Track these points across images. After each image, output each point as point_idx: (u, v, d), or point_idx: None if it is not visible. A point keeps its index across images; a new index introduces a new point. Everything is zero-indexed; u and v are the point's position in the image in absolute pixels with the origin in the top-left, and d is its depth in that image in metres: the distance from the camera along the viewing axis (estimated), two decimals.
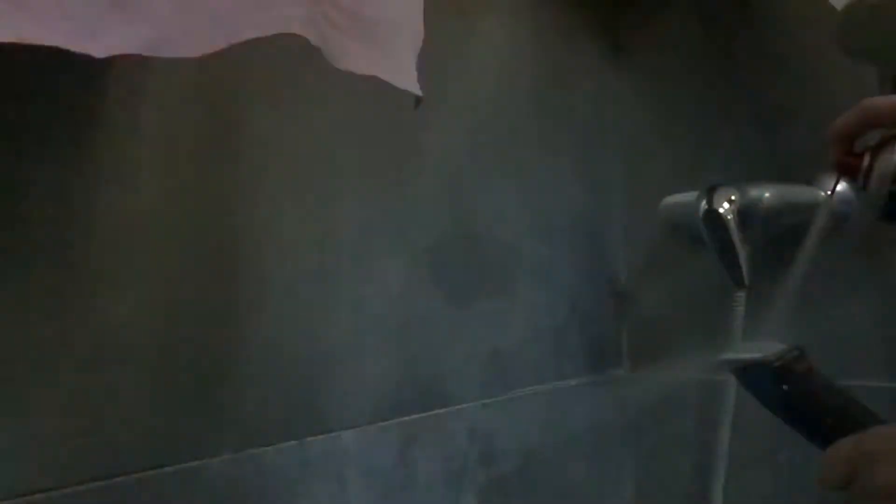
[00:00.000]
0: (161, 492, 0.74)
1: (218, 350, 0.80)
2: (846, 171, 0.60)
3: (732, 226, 1.09)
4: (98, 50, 0.56)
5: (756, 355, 0.61)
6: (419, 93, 0.76)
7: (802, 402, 0.60)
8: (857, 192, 0.60)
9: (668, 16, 1.28)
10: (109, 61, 0.57)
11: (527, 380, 1.14)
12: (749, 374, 0.62)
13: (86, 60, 0.55)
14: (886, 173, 0.57)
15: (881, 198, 0.58)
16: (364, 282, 0.93)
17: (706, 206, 1.09)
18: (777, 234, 1.15)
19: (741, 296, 1.12)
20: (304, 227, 0.88)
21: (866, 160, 0.59)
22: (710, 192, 1.10)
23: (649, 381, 1.28)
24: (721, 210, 1.08)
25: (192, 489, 0.77)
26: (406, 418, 0.97)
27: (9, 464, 0.65)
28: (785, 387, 0.59)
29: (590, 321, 1.26)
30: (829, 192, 0.66)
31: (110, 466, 0.71)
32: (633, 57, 1.32)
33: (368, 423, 0.93)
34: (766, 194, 1.11)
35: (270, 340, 0.84)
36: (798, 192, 1.12)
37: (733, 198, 1.09)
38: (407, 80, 0.76)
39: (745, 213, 1.09)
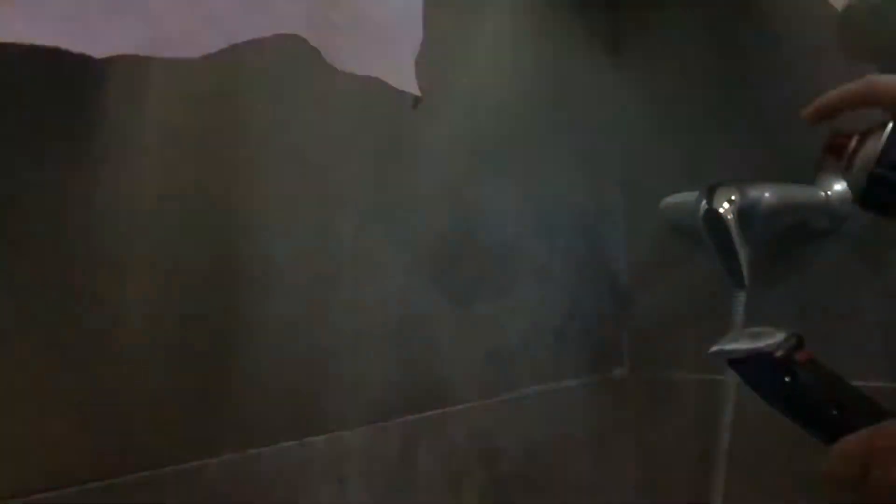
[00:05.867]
0: (161, 492, 0.74)
1: (217, 350, 0.80)
2: (833, 151, 0.60)
3: (732, 226, 1.09)
4: (98, 50, 0.56)
5: (754, 345, 0.59)
6: (418, 93, 0.76)
7: (805, 393, 0.58)
8: (840, 174, 0.61)
9: (668, 16, 1.28)
10: (109, 61, 0.57)
11: (527, 380, 1.14)
12: (747, 365, 0.60)
13: (86, 60, 0.55)
14: (870, 157, 0.58)
15: (861, 181, 0.58)
16: (364, 282, 0.93)
17: (706, 206, 1.09)
18: (777, 234, 1.15)
19: (741, 296, 1.12)
20: (304, 227, 0.88)
21: (853, 143, 0.59)
22: (710, 192, 1.09)
23: (649, 381, 1.28)
24: (721, 210, 1.08)
25: (192, 489, 0.77)
26: (406, 418, 0.97)
27: (9, 464, 0.65)
28: (787, 378, 0.58)
29: (590, 321, 1.25)
30: (819, 171, 0.66)
31: (110, 466, 0.72)
32: (633, 57, 1.32)
33: (368, 423, 0.93)
34: (766, 194, 1.10)
35: (270, 340, 0.84)
36: (798, 192, 1.12)
37: (733, 198, 1.09)
38: (406, 80, 0.76)
39: (745, 213, 1.09)
